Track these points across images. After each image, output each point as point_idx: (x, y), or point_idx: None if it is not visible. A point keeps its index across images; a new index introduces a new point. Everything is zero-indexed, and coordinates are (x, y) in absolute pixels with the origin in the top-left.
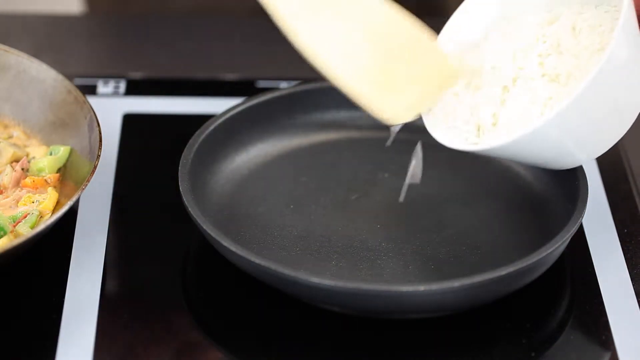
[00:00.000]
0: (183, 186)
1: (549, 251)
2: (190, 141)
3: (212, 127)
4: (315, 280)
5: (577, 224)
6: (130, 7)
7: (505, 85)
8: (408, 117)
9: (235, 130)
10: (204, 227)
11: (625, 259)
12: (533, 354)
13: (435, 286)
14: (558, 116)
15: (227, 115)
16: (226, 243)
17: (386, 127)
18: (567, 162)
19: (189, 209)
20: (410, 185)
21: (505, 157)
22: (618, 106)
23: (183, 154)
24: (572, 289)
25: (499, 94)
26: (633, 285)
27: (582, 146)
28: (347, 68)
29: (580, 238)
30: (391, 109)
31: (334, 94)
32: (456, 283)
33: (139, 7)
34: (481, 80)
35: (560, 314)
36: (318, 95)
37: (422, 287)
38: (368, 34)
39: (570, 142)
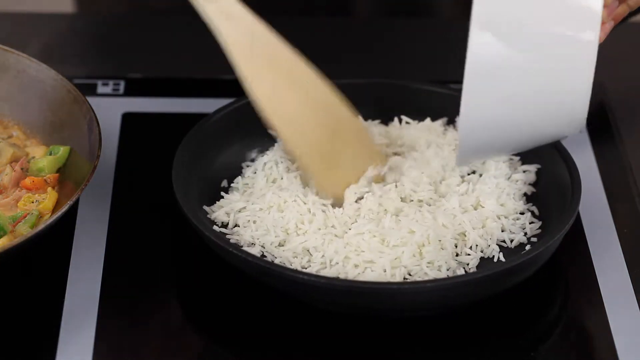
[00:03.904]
0: (177, 186)
1: (540, 250)
2: (184, 141)
3: (206, 125)
4: (315, 279)
5: (569, 224)
6: (114, 7)
7: None
8: (340, 193)
9: (233, 130)
10: (202, 229)
11: (625, 259)
12: (533, 354)
13: (431, 282)
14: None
15: (223, 113)
16: (224, 244)
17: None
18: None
19: (185, 210)
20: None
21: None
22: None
23: (176, 154)
24: (571, 289)
25: None
26: (633, 285)
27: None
28: (299, 140)
29: (579, 238)
30: (330, 184)
31: None
32: (452, 279)
33: (122, 6)
34: None
35: (560, 314)
36: None
37: (418, 284)
38: (315, 109)
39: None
